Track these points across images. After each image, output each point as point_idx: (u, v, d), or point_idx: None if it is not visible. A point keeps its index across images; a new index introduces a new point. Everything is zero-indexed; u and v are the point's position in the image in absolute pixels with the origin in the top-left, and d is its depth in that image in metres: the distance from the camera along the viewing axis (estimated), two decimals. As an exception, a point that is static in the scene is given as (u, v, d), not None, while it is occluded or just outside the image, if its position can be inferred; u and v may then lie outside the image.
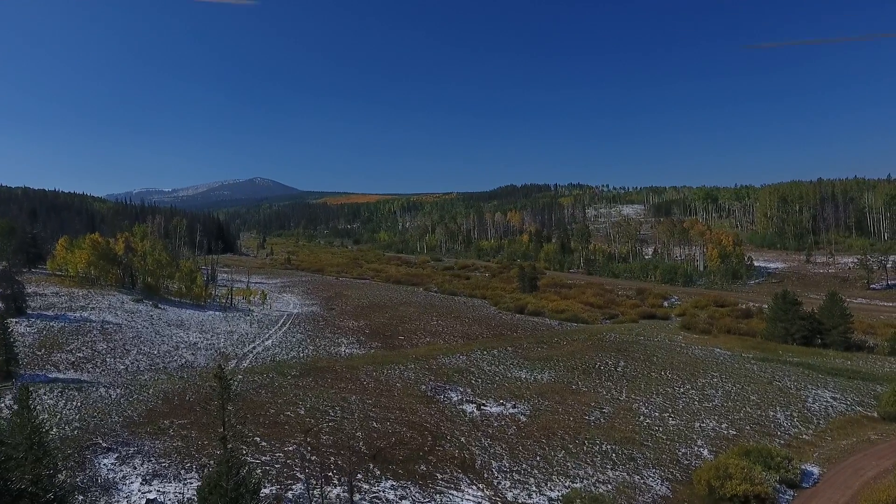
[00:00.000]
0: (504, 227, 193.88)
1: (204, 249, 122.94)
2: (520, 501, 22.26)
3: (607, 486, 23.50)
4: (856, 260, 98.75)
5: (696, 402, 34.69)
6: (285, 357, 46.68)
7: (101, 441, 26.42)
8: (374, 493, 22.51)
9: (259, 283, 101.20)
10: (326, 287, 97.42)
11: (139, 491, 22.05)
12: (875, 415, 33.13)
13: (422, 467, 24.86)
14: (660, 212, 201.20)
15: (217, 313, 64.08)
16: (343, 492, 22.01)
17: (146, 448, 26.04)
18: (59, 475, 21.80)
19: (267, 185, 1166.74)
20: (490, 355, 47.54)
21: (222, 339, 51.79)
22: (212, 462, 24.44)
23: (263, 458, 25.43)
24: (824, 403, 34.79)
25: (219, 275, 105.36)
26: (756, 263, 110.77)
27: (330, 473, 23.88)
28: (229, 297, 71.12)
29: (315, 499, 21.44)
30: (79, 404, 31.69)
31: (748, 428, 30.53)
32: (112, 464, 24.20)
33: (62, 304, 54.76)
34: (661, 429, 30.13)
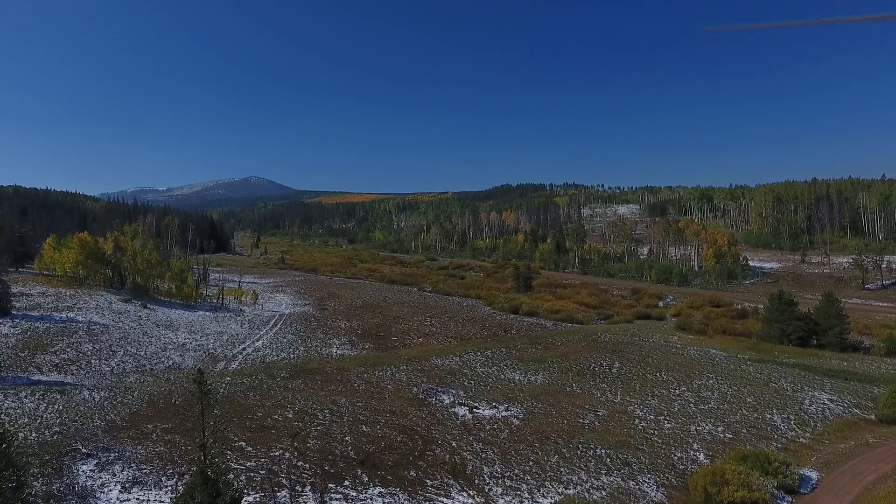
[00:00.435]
0: (499, 227, 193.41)
1: (196, 249, 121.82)
2: (511, 509, 21.64)
3: (601, 493, 22.90)
4: (851, 260, 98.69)
5: (691, 405, 34.14)
6: (275, 358, 45.93)
7: (80, 446, 25.63)
8: (362, 500, 21.83)
9: (252, 282, 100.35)
10: (320, 287, 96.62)
11: (118, 499, 21.31)
12: (872, 417, 32.67)
13: (411, 473, 24.19)
14: (655, 211, 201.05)
15: (207, 313, 63.22)
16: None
17: (127, 453, 25.28)
18: (35, 484, 21.08)
19: (262, 184, 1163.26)
20: (483, 356, 46.91)
21: (212, 340, 50.98)
22: (193, 469, 23.73)
23: (248, 463, 24.71)
24: (821, 406, 34.30)
25: (211, 274, 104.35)
26: (751, 263, 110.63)
27: (315, 480, 23.18)
28: (220, 296, 70.25)
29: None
30: (60, 408, 30.87)
31: (745, 431, 30.00)
32: (91, 470, 23.43)
33: (48, 304, 53.82)
34: (656, 432, 29.55)
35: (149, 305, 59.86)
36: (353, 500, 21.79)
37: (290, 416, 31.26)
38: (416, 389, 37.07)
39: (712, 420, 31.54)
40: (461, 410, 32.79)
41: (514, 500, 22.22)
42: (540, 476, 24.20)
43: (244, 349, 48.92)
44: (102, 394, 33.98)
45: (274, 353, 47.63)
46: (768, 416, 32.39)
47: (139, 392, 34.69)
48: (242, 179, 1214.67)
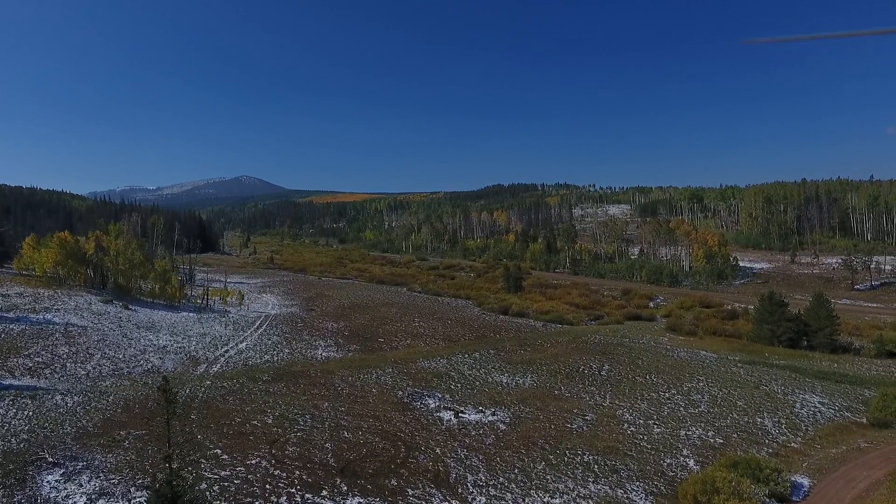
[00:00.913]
0: (490, 227, 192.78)
1: (183, 248, 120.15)
2: (495, 519, 20.85)
3: (588, 502, 22.14)
4: (840, 260, 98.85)
5: (681, 409, 33.52)
6: (258, 361, 44.88)
7: (47, 455, 24.56)
8: (339, 511, 20.96)
9: (239, 282, 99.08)
10: (308, 287, 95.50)
11: (82, 512, 20.31)
12: (864, 420, 32.20)
13: (392, 482, 23.33)
14: (646, 212, 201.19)
15: (191, 314, 62.00)
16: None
17: (96, 462, 24.24)
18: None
19: (253, 183, 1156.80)
20: (471, 358, 46.13)
21: (194, 342, 49.83)
22: (157, 482, 22.75)
23: (222, 472, 23.74)
24: (812, 409, 33.79)
25: (198, 274, 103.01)
26: (741, 264, 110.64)
27: (292, 490, 22.27)
28: (205, 297, 69.01)
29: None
30: (31, 413, 29.76)
31: (735, 436, 29.38)
32: (56, 481, 22.39)
33: (26, 305, 52.43)
34: (645, 437, 28.87)
35: (130, 306, 58.57)
36: (330, 511, 20.92)
37: (270, 421, 30.31)
38: (401, 393, 36.20)
39: (702, 424, 30.91)
40: (446, 415, 31.96)
41: (497, 511, 21.43)
42: (525, 485, 23.41)
43: (227, 351, 47.83)
44: (76, 398, 32.87)
45: (257, 356, 46.58)
46: (759, 419, 31.82)
47: (115, 397, 33.61)
48: (233, 179, 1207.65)
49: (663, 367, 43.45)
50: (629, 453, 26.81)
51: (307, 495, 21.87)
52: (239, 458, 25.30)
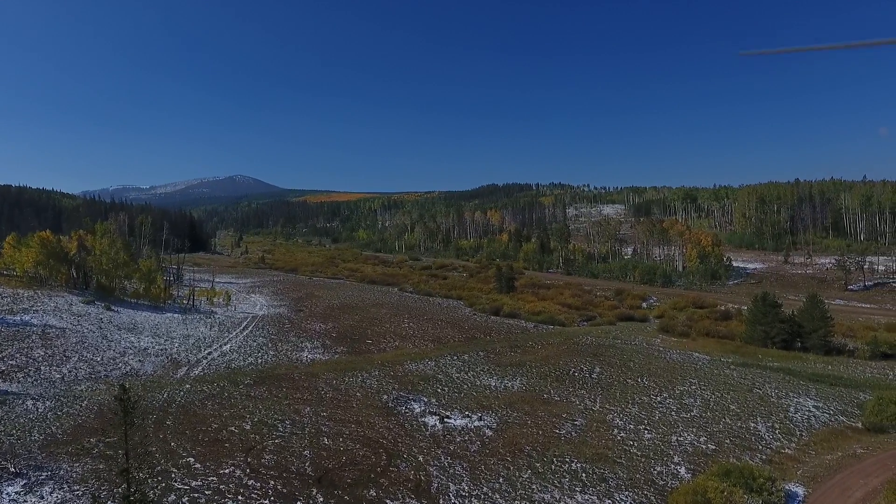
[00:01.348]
0: (484, 227, 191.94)
1: (173, 248, 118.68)
2: (477, 533, 19.90)
3: (575, 513, 21.24)
4: (833, 261, 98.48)
5: (673, 413, 32.67)
6: (242, 363, 43.78)
7: (10, 465, 23.43)
8: (314, 524, 19.96)
9: (228, 282, 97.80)
10: (298, 287, 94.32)
11: (40, 527, 19.24)
12: (859, 425, 31.44)
13: (371, 492, 22.34)
14: (640, 212, 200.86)
15: (176, 315, 60.77)
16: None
17: (61, 472, 23.15)
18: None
19: (247, 182, 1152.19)
20: (460, 361, 45.19)
21: (176, 344, 48.67)
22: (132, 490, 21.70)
23: (194, 482, 22.70)
24: (807, 413, 33.02)
25: (187, 274, 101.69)
26: (735, 264, 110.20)
27: (265, 501, 21.25)
28: (191, 297, 67.78)
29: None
30: (-3, 420, 28.59)
31: (728, 441, 28.55)
32: (17, 493, 21.29)
33: (3, 306, 51.09)
34: (635, 443, 27.99)
35: (113, 307, 57.28)
36: (303, 524, 19.93)
37: (248, 427, 29.26)
38: (386, 397, 35.21)
39: (694, 429, 30.07)
40: (431, 420, 30.99)
41: (480, 523, 20.49)
42: (510, 495, 22.47)
43: (210, 353, 46.69)
44: (48, 403, 31.73)
45: (241, 358, 45.47)
46: (752, 424, 31.00)
47: (89, 401, 32.47)
48: (227, 178, 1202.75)
49: (655, 369, 42.64)
50: (618, 461, 25.93)
51: (280, 507, 20.87)
52: (212, 466, 24.26)
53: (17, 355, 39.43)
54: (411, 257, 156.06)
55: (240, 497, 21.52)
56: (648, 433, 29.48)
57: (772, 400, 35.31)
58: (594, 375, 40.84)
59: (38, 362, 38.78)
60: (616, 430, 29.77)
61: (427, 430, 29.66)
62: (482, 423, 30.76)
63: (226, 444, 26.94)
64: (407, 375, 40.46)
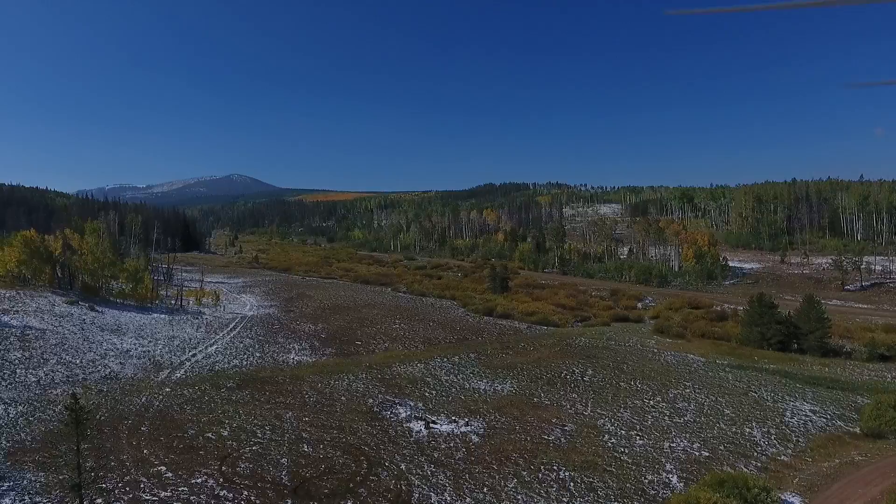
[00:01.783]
0: (480, 226, 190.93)
1: (165, 247, 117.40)
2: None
3: (561, 526, 20.28)
4: (830, 261, 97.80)
5: (666, 418, 31.73)
6: (226, 366, 42.71)
7: (-29, 475, 22.37)
8: (285, 539, 18.95)
9: (219, 282, 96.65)
10: (290, 287, 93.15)
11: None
12: (857, 430, 30.55)
13: (348, 503, 21.34)
14: (637, 211, 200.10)
15: (162, 316, 59.63)
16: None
17: (25, 482, 22.14)
18: None
19: (244, 181, 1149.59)
20: (450, 363, 44.21)
21: (160, 346, 47.57)
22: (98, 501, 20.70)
23: (163, 493, 21.68)
24: (803, 418, 32.12)
25: (178, 274, 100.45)
26: (731, 264, 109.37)
27: (236, 514, 20.25)
28: (179, 298, 66.63)
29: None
30: (-35, 426, 27.51)
31: (722, 448, 27.62)
32: (-26, 505, 20.24)
33: (-17, 306, 49.91)
34: (626, 450, 27.04)
35: (97, 308, 56.12)
36: (275, 538, 18.92)
37: (226, 433, 28.22)
38: (371, 401, 34.21)
39: (688, 435, 29.13)
40: (417, 426, 29.99)
41: (461, 537, 19.51)
42: (494, 506, 21.51)
43: (194, 355, 45.60)
44: (20, 408, 30.65)
45: (226, 360, 44.40)
46: (747, 430, 30.08)
47: (63, 406, 31.25)
48: (224, 177, 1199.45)
49: (649, 372, 41.72)
50: (608, 468, 24.97)
51: (252, 520, 19.87)
52: (184, 476, 23.24)
53: (-7, 358, 38.28)
54: (406, 257, 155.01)
55: (210, 509, 20.52)
56: (640, 439, 28.54)
57: (767, 404, 34.42)
58: (586, 378, 39.90)
59: (14, 365, 37.63)
60: (607, 436, 28.82)
61: (412, 436, 28.66)
62: (469, 428, 29.78)
63: (201, 451, 25.91)
64: (395, 378, 39.48)
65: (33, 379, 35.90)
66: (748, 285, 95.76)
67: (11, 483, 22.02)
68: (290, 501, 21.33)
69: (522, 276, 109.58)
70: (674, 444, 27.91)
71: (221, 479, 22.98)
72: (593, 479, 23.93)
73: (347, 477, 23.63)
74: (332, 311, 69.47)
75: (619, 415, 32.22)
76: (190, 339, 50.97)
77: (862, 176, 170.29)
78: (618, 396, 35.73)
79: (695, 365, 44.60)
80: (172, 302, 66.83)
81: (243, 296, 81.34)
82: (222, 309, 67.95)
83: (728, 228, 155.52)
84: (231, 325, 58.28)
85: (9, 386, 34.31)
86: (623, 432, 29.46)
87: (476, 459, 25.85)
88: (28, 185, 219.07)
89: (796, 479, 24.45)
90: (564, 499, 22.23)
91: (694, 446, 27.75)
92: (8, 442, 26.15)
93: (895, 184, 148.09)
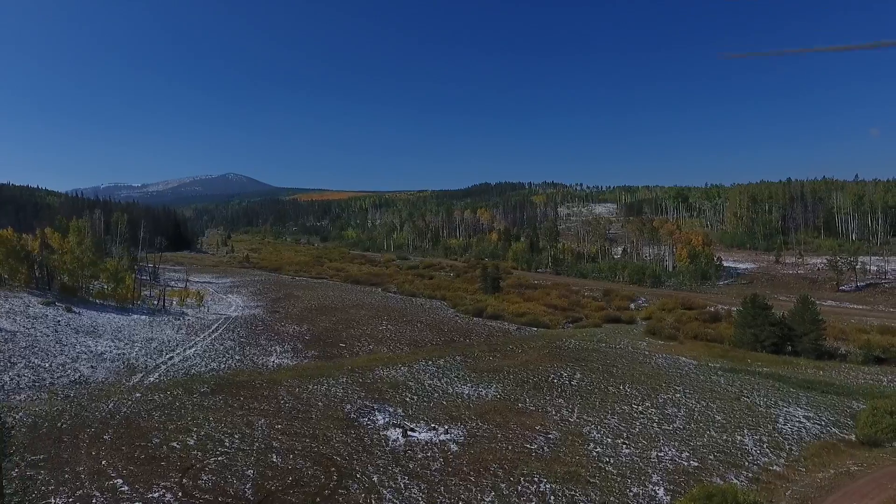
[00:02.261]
0: (474, 225, 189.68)
1: (149, 246, 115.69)
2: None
3: (538, 545, 19.00)
4: (825, 261, 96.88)
5: (654, 425, 30.50)
6: (203, 369, 41.30)
7: None
8: (241, 561, 17.61)
9: (207, 282, 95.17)
10: (278, 287, 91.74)
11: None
12: (853, 438, 29.38)
13: (313, 520, 20.03)
14: (632, 211, 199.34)
15: (143, 317, 58.15)
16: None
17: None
18: None
19: (240, 181, 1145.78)
20: (435, 366, 42.91)
21: (137, 348, 46.14)
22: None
23: (115, 509, 20.30)
24: (797, 424, 30.94)
25: (165, 274, 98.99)
26: (725, 264, 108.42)
27: (190, 533, 18.88)
28: (161, 298, 65.12)
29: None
30: (-85, 435, 26.00)
31: (712, 457, 26.39)
32: None
33: (-46, 308, 48.40)
34: (612, 460, 25.78)
35: (75, 309, 54.61)
36: (229, 560, 17.57)
37: (192, 442, 26.83)
38: (349, 407, 32.87)
39: (676, 443, 27.90)
40: (394, 433, 28.66)
41: (430, 557, 18.21)
42: (467, 522, 20.22)
43: (171, 358, 44.19)
44: (-23, 416, 29.15)
45: (203, 363, 42.99)
46: (739, 437, 28.87)
47: (24, 414, 29.91)
48: (220, 176, 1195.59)
49: (639, 375, 40.51)
50: (592, 480, 23.71)
51: (206, 540, 18.52)
52: (141, 489, 21.87)
53: (-43, 361, 36.81)
54: (399, 256, 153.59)
55: (163, 527, 19.16)
56: (627, 448, 27.28)
57: (760, 409, 33.24)
58: (574, 382, 38.65)
59: (-21, 369, 36.15)
60: (592, 445, 27.56)
61: (388, 444, 27.34)
62: (448, 436, 28.47)
63: (163, 462, 24.52)
64: (376, 382, 38.15)
65: (-3, 384, 34.42)
66: (742, 286, 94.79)
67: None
68: (250, 518, 20.01)
69: (515, 276, 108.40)
70: (661, 454, 26.67)
71: (180, 493, 21.62)
72: (575, 491, 22.67)
73: (315, 490, 22.31)
74: (318, 311, 68.10)
75: (606, 421, 30.98)
76: (169, 342, 49.53)
77: (857, 176, 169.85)
78: (605, 402, 34.50)
79: (686, 368, 43.42)
80: (155, 302, 65.33)
81: (230, 296, 79.86)
82: (206, 310, 66.49)
83: (723, 228, 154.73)
84: (213, 327, 56.84)
85: (-30, 391, 32.83)
86: (609, 440, 28.21)
87: (453, 470, 24.55)
88: (18, 184, 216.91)
89: (789, 492, 23.24)
90: (543, 514, 20.97)
91: (682, 455, 26.52)
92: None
93: (890, 183, 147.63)
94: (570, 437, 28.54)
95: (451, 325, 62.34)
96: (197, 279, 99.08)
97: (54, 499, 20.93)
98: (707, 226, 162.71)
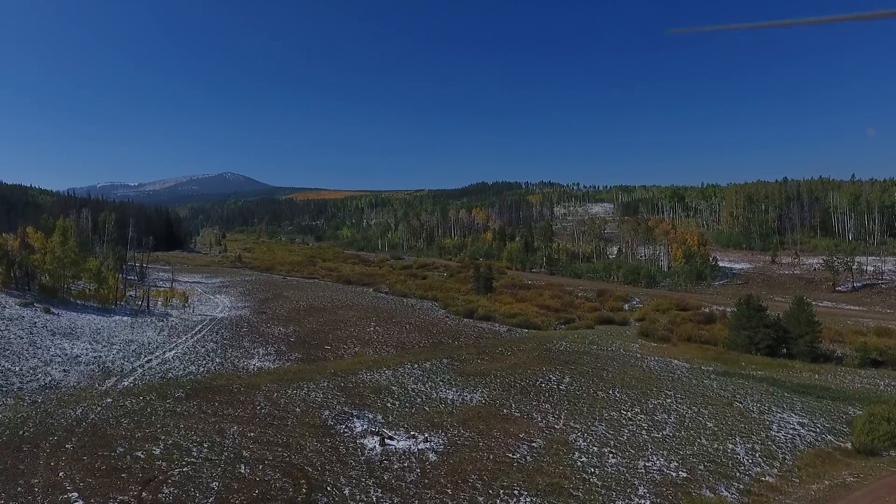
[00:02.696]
0: (469, 225, 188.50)
1: (138, 246, 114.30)
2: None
3: (514, 565, 17.82)
4: (821, 261, 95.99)
5: (643, 432, 29.36)
6: (180, 373, 40.02)
7: None
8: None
9: (196, 282, 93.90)
10: (268, 287, 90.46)
11: None
12: (848, 446, 28.27)
13: (275, 538, 18.81)
14: (628, 210, 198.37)
15: (125, 318, 56.84)
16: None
17: None
18: None
19: (237, 180, 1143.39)
20: (420, 369, 41.74)
21: (115, 351, 44.85)
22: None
23: (65, 527, 19.06)
24: (791, 432, 29.83)
25: (155, 273, 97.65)
26: (721, 264, 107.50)
27: (141, 554, 17.65)
28: (145, 299, 63.81)
29: None
30: None
31: (702, 468, 25.25)
32: None
33: (-73, 309, 47.05)
34: (597, 471, 24.62)
35: (54, 310, 53.27)
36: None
37: (158, 452, 25.58)
38: (327, 413, 31.67)
39: (665, 452, 26.75)
40: (371, 442, 27.46)
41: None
42: (440, 540, 19.02)
43: (149, 361, 42.92)
44: (-64, 423, 27.91)
45: (182, 367, 41.71)
46: (730, 446, 27.74)
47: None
48: (217, 175, 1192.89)
49: (629, 379, 39.38)
50: (575, 493, 22.54)
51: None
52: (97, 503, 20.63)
53: (-78, 365, 35.50)
54: (393, 256, 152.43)
55: (113, 546, 17.93)
56: (613, 457, 26.12)
57: (753, 416, 32.13)
58: (563, 387, 37.50)
59: (-56, 373, 34.85)
60: (577, 454, 26.39)
61: (363, 454, 26.14)
62: (427, 445, 27.28)
63: (124, 473, 23.28)
64: (358, 387, 36.96)
65: (-38, 389, 33.12)
66: (738, 286, 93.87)
67: None
68: (209, 536, 18.78)
69: (509, 276, 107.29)
70: (649, 464, 25.52)
71: (138, 509, 20.39)
72: (557, 505, 21.50)
73: (281, 505, 21.10)
74: (306, 312, 66.88)
75: (593, 429, 29.83)
76: (149, 344, 48.26)
77: (854, 175, 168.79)
78: (594, 407, 33.35)
79: (678, 372, 42.31)
80: (139, 303, 64.00)
81: (218, 296, 78.56)
82: (191, 311, 65.21)
83: (719, 228, 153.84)
84: (197, 328, 55.56)
85: (-68, 397, 31.55)
86: (595, 449, 27.04)
87: (430, 482, 23.36)
88: (10, 182, 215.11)
89: (781, 505, 22.10)
90: (521, 531, 19.79)
91: (671, 466, 25.37)
92: None
93: (887, 183, 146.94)
94: (554, 446, 27.37)
95: (440, 326, 61.15)
96: (186, 279, 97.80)
97: (2, 514, 19.70)
98: (703, 226, 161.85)
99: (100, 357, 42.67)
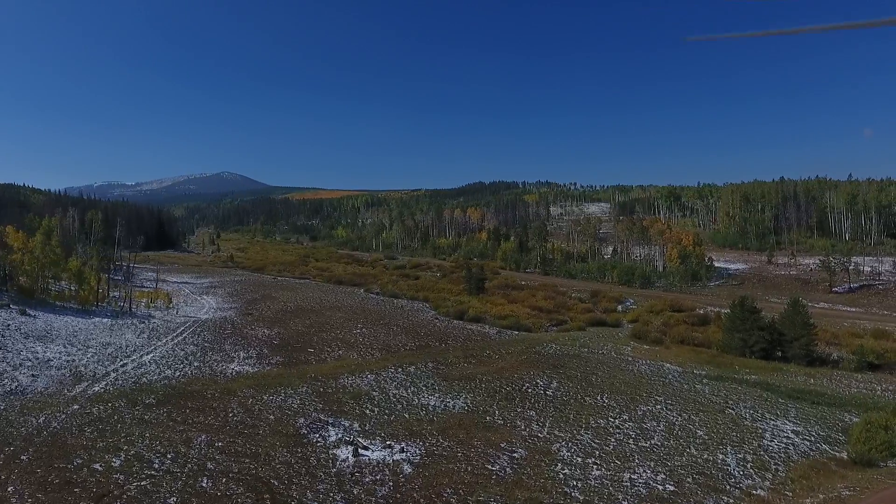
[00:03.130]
0: (464, 225, 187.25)
1: (135, 245, 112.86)
2: None
3: (484, 591, 16.54)
4: (818, 261, 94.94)
5: (630, 441, 28.12)
6: (155, 378, 38.66)
7: None
8: None
9: (184, 283, 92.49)
10: (257, 288, 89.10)
11: None
12: (844, 456, 27.07)
13: (229, 561, 17.50)
14: (625, 210, 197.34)
15: (105, 320, 55.43)
16: None
17: None
18: None
19: (234, 179, 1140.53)
20: (404, 374, 40.45)
21: (89, 354, 43.44)
22: None
23: (4, 549, 17.71)
24: (784, 440, 28.61)
25: (141, 274, 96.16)
26: (717, 264, 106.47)
27: (80, 580, 16.33)
28: (127, 299, 62.40)
29: None
30: None
31: (690, 480, 24.01)
32: None
33: None
34: (580, 483, 23.37)
35: (30, 311, 51.86)
36: None
37: (118, 463, 24.24)
38: (301, 421, 30.35)
39: (652, 464, 25.51)
40: (344, 452, 26.15)
41: None
42: (406, 563, 17.74)
43: (125, 365, 41.54)
44: None
45: (157, 371, 40.36)
46: (721, 456, 26.51)
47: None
48: (214, 174, 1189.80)
49: (619, 384, 38.15)
50: (555, 509, 21.28)
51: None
52: (42, 523, 19.29)
53: None
54: (387, 256, 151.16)
55: (52, 572, 16.60)
56: (598, 469, 24.87)
57: (745, 423, 30.91)
58: (549, 392, 36.26)
59: None
60: (560, 465, 25.13)
61: (335, 465, 24.83)
62: (403, 455, 25.99)
63: (77, 488, 21.94)
64: (337, 392, 35.66)
65: (-79, 395, 31.73)
66: (734, 286, 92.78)
67: None
68: (157, 559, 17.47)
69: (503, 276, 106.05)
70: (635, 476, 24.27)
71: (85, 528, 19.07)
72: (534, 523, 20.24)
73: (240, 523, 19.79)
74: (293, 314, 65.55)
75: (578, 437, 28.57)
76: (126, 347, 46.89)
77: (851, 175, 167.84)
78: (581, 414, 32.10)
79: (670, 376, 41.08)
80: (120, 304, 62.58)
81: (204, 297, 77.17)
82: (175, 312, 63.85)
83: (715, 228, 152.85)
84: (179, 330, 54.18)
85: None
86: (579, 460, 25.79)
87: (402, 497, 22.08)
88: (2, 182, 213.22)
89: (773, 522, 20.87)
90: (495, 552, 18.51)
91: (658, 478, 24.12)
92: None
93: (884, 183, 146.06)
94: (536, 456, 26.10)
95: (429, 328, 59.87)
96: (175, 279, 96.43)
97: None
98: (699, 225, 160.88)
99: (73, 361, 41.27)
